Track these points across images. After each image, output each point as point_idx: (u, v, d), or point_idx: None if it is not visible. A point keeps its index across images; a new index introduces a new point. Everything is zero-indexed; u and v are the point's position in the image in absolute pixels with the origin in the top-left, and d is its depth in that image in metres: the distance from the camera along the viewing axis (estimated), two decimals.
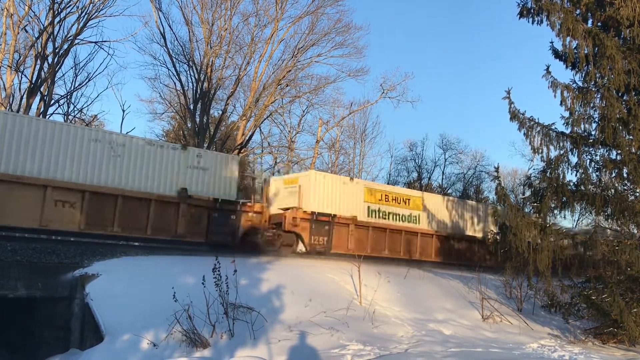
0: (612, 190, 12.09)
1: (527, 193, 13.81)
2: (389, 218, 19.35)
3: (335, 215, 17.69)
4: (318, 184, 17.77)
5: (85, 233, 13.58)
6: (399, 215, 19.69)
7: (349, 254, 16.64)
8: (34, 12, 23.66)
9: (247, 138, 29.46)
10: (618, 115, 11.51)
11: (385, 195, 19.49)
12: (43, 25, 23.05)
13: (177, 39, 29.43)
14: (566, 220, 25.17)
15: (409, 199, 20.14)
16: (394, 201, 19.66)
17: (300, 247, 17.46)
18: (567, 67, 12.62)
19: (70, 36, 23.55)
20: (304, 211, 17.08)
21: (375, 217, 18.94)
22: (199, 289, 8.98)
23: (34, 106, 23.03)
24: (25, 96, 22.91)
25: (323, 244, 17.34)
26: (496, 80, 69.79)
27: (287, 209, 17.26)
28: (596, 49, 11.75)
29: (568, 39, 12.05)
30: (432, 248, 20.34)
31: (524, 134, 12.41)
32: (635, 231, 12.58)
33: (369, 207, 18.80)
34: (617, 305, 10.80)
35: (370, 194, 19.03)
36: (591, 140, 12.25)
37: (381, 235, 18.89)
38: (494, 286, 15.08)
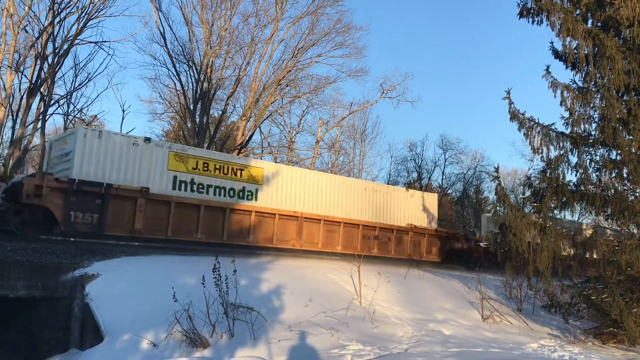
0: (612, 191, 12.09)
1: (527, 193, 13.81)
2: (208, 192, 15.14)
3: (111, 186, 13.28)
4: (92, 144, 13.33)
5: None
6: (225, 189, 15.47)
7: (135, 236, 13.89)
8: (34, 12, 23.71)
9: (247, 138, 29.48)
10: (618, 116, 11.51)
11: (205, 164, 15.19)
12: (43, 26, 23.05)
13: (177, 39, 29.47)
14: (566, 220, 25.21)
15: (241, 170, 15.82)
16: (217, 171, 15.40)
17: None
18: (567, 67, 12.63)
19: (70, 36, 23.56)
20: (56, 179, 12.76)
21: (186, 189, 14.75)
22: (198, 289, 8.98)
23: (34, 106, 23.08)
24: (25, 96, 22.93)
25: (91, 223, 13.07)
26: (496, 81, 69.97)
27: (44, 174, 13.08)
28: (596, 49, 11.75)
29: (568, 39, 12.06)
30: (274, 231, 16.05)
31: (524, 134, 12.43)
32: (635, 231, 12.59)
33: (175, 177, 14.64)
34: (617, 305, 10.80)
35: (180, 160, 14.75)
36: (591, 141, 12.25)
37: (192, 214, 14.58)
38: (494, 286, 15.08)
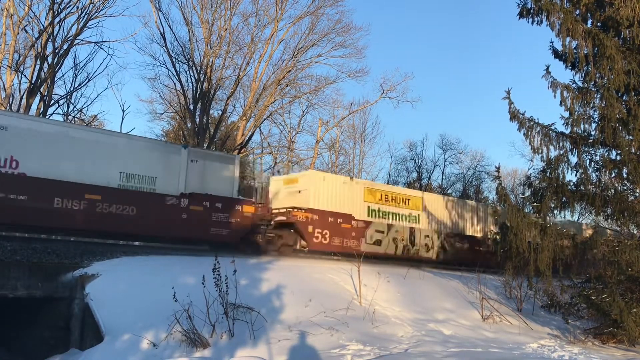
0: (612, 190, 12.09)
1: (527, 193, 13.82)
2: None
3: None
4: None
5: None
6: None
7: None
8: (33, 13, 23.69)
9: (247, 138, 29.48)
10: (618, 116, 11.51)
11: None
12: (43, 26, 23.05)
13: (176, 39, 29.47)
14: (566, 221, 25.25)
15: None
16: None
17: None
18: (567, 67, 12.63)
19: (70, 36, 23.57)
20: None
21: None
22: (198, 289, 8.98)
23: (34, 106, 23.07)
24: (25, 96, 22.91)
25: None
26: (496, 81, 69.94)
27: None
28: (596, 49, 11.75)
29: (568, 39, 12.05)
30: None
31: (524, 134, 12.42)
32: (635, 231, 12.59)
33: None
34: (617, 305, 10.81)
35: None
36: (591, 141, 12.26)
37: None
38: (494, 286, 15.09)
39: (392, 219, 19.62)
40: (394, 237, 19.29)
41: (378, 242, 18.76)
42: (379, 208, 19.24)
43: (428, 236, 20.41)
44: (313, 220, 17.16)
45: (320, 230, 17.26)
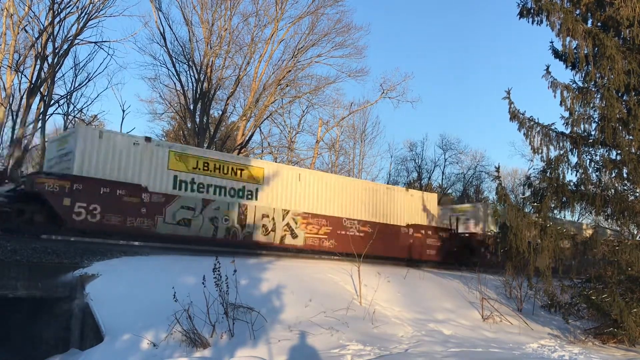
0: (612, 191, 12.09)
1: (527, 193, 13.81)
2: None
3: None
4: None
5: None
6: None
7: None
8: (33, 12, 23.66)
9: (247, 138, 29.47)
10: (618, 116, 11.51)
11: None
12: (43, 26, 23.03)
13: (177, 39, 29.46)
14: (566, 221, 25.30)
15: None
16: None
17: None
18: (567, 67, 12.63)
19: (70, 36, 23.54)
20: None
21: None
22: (199, 288, 8.98)
23: (34, 106, 23.08)
24: (25, 96, 22.90)
25: None
26: (496, 81, 69.98)
27: None
28: (596, 49, 11.75)
29: (568, 39, 12.06)
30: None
31: (524, 134, 12.42)
32: (635, 231, 12.59)
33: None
34: (617, 305, 10.81)
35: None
36: (591, 141, 12.25)
37: None
38: (494, 286, 15.08)
39: (214, 192, 15.60)
40: (214, 216, 15.43)
41: (186, 222, 14.93)
42: (192, 179, 15.30)
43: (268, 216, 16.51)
44: (73, 191, 13.06)
45: (84, 205, 13.22)
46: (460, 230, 22.31)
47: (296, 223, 17.05)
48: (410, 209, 20.39)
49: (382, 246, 17.78)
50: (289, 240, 16.80)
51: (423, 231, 19.99)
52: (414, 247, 19.59)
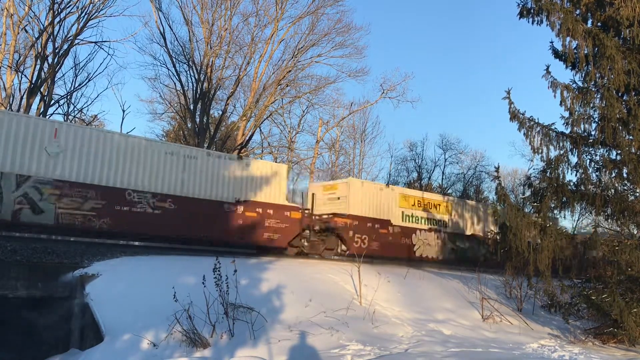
0: (612, 190, 12.08)
1: (527, 193, 13.81)
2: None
3: None
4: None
5: None
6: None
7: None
8: (34, 12, 23.72)
9: (247, 138, 29.48)
10: (618, 116, 11.50)
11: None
12: (43, 26, 23.06)
13: (177, 39, 29.50)
14: (566, 220, 25.26)
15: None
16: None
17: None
18: (567, 67, 12.61)
19: (70, 36, 23.58)
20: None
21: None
22: (199, 288, 8.98)
23: (34, 106, 23.08)
24: (25, 96, 22.92)
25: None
26: (496, 80, 69.95)
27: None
28: (596, 49, 11.74)
29: (568, 39, 12.04)
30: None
31: (524, 134, 12.41)
32: (635, 231, 12.58)
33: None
34: (617, 305, 10.80)
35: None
36: (591, 140, 12.25)
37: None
38: (494, 286, 15.08)
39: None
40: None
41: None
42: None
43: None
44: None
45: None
46: (325, 211, 18.93)
47: (41, 194, 13.03)
48: (247, 182, 16.37)
49: (193, 227, 14.65)
50: (27, 217, 12.84)
51: (260, 209, 16.20)
52: (246, 228, 15.90)
